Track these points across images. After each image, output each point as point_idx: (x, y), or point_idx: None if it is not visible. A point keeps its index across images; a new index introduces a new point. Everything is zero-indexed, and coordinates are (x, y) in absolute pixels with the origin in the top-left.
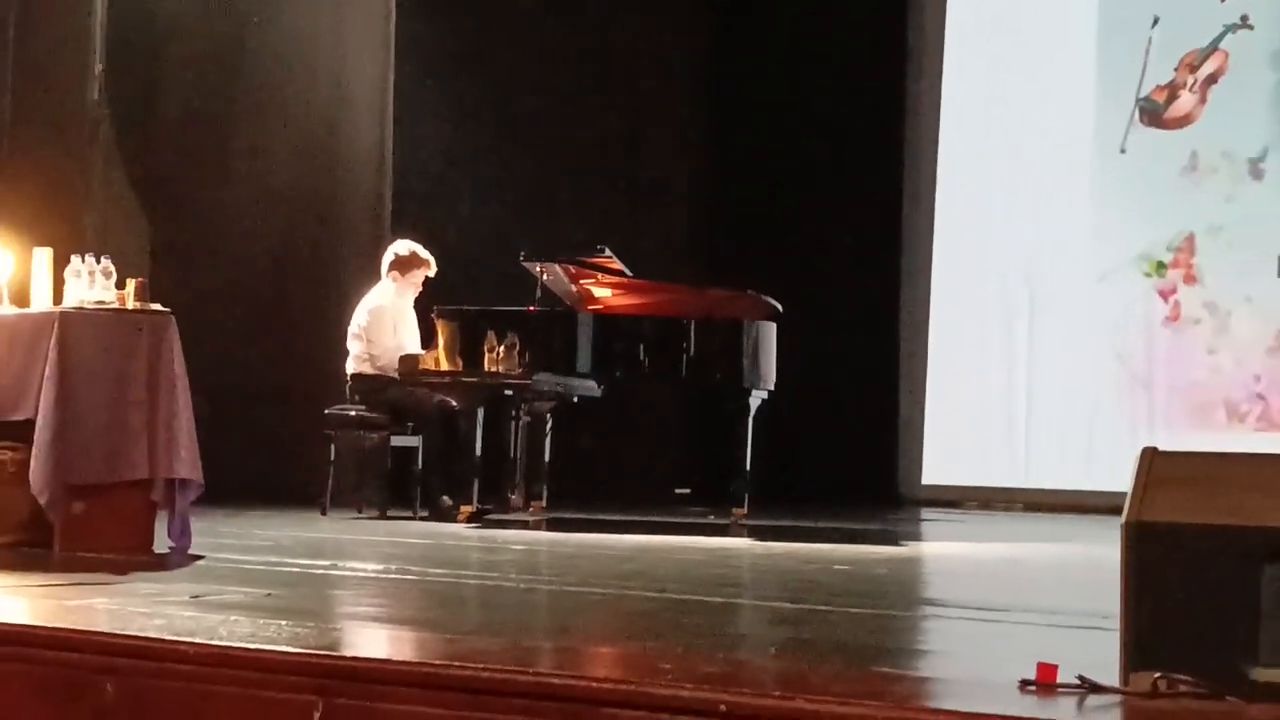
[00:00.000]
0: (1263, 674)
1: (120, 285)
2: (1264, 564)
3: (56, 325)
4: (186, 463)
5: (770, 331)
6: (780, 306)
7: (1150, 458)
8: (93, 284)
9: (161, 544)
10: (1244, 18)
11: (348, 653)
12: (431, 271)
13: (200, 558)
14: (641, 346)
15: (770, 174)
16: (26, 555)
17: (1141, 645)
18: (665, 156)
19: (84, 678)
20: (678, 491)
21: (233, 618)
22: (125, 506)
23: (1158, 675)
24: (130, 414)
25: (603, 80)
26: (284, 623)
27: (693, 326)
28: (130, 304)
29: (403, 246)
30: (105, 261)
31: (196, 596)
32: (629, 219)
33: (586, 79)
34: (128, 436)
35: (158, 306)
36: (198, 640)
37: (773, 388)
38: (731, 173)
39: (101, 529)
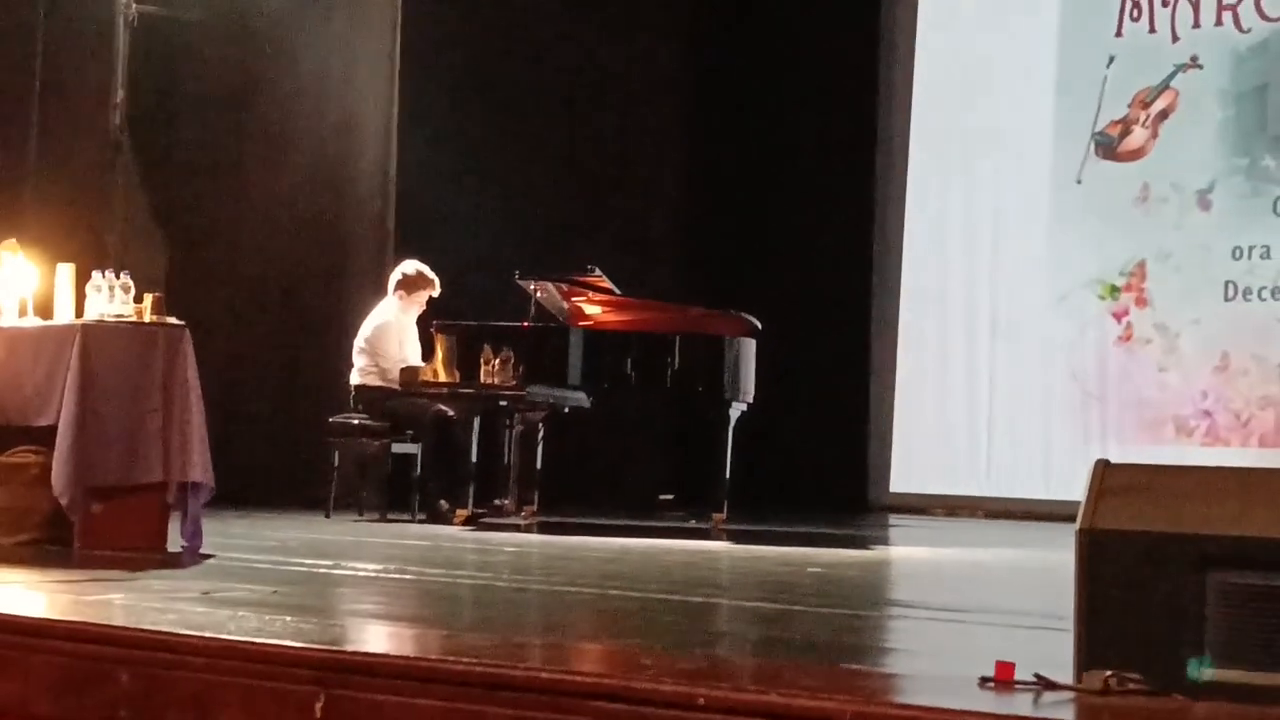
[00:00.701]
0: (1207, 673)
1: (138, 300)
2: (1209, 569)
3: (78, 337)
4: (199, 467)
5: (750, 348)
6: (759, 324)
7: (1102, 469)
8: (112, 298)
9: (174, 543)
10: (1194, 58)
11: (348, 647)
12: (436, 292)
13: (210, 556)
14: (629, 361)
15: (750, 199)
16: (48, 552)
17: (1094, 645)
18: (653, 183)
19: (100, 668)
20: (661, 497)
21: (240, 613)
22: (141, 507)
23: (1109, 674)
24: (146, 421)
25: (595, 112)
26: (288, 618)
27: (677, 342)
28: (147, 317)
29: (410, 266)
30: (124, 277)
31: (207, 593)
32: (618, 241)
33: (579, 111)
34: (144, 441)
35: (173, 320)
36: (207, 634)
37: (752, 400)
38: (714, 199)
39: (118, 528)
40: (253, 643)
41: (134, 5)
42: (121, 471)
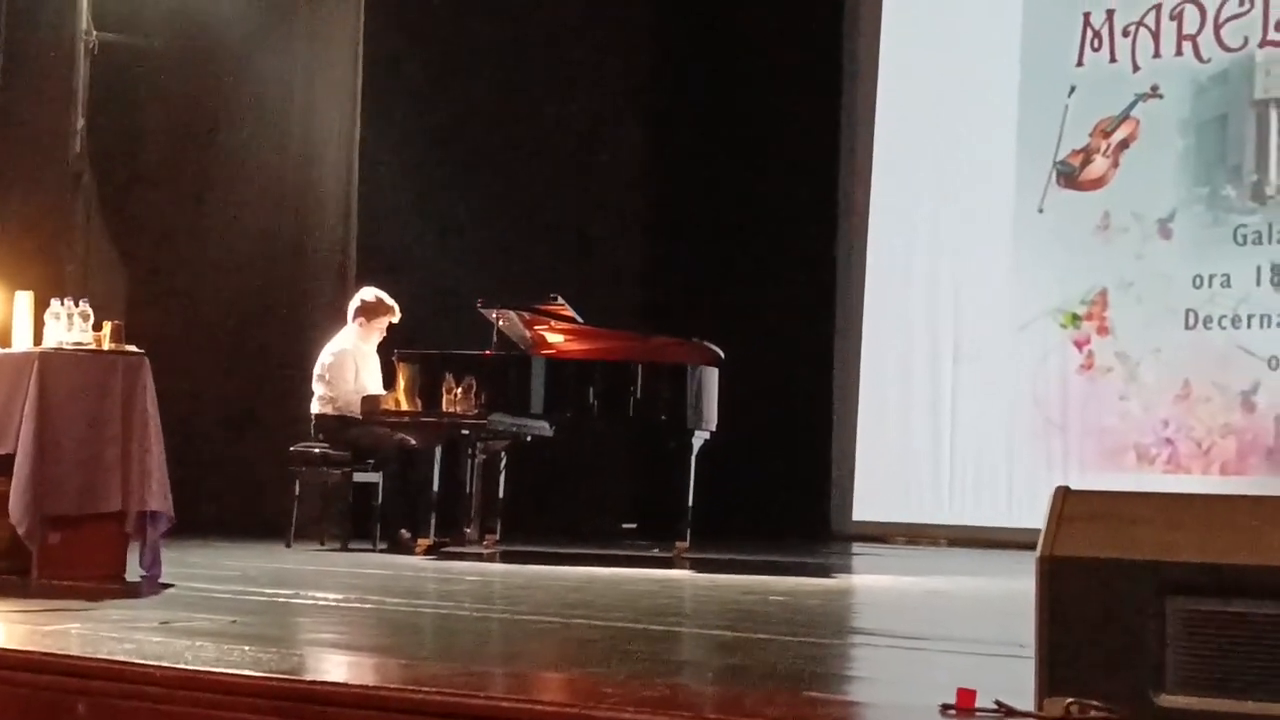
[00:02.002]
0: (1167, 700)
1: (97, 328)
2: (1168, 596)
3: (36, 365)
4: (158, 496)
5: (712, 376)
6: (722, 353)
7: (1063, 496)
8: (71, 326)
9: (133, 573)
10: (1154, 87)
11: (307, 677)
12: (395, 318)
13: (170, 586)
14: (591, 389)
15: (713, 227)
16: (5, 582)
17: (1055, 672)
18: (616, 212)
19: (57, 698)
20: (624, 526)
21: (199, 643)
22: (99, 537)
23: (1070, 701)
24: (105, 449)
25: (558, 141)
26: (247, 648)
27: (639, 371)
28: (106, 345)
29: (369, 293)
30: (84, 305)
31: (165, 623)
32: (581, 269)
33: (541, 137)
34: (102, 471)
35: (132, 348)
36: (165, 664)
37: (714, 429)
38: (678, 229)
39: (77, 558)
40: (211, 673)
41: (94, 33)
42: (80, 501)
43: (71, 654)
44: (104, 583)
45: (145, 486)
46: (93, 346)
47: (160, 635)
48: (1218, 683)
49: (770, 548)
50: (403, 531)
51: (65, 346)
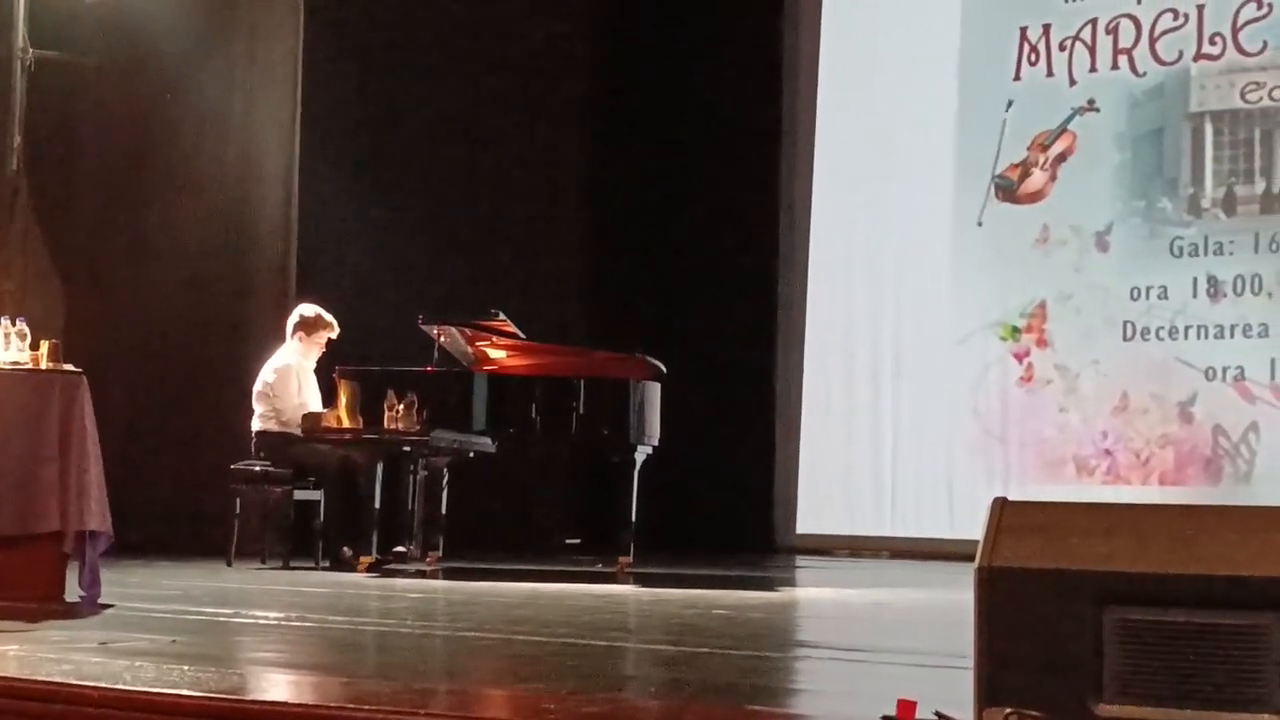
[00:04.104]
0: (1105, 709)
1: (34, 346)
2: (1106, 605)
3: None
4: (97, 515)
5: (655, 391)
6: (664, 368)
7: (1000, 507)
8: (8, 346)
9: (72, 593)
10: (1091, 101)
11: (247, 696)
12: (334, 333)
13: (110, 606)
14: (533, 405)
15: (654, 241)
16: None
17: (993, 682)
18: (557, 227)
19: None
20: (567, 541)
21: (138, 663)
22: (37, 557)
23: (1009, 711)
24: (43, 469)
25: (498, 156)
26: (187, 668)
27: (582, 386)
28: (44, 364)
29: (308, 309)
30: (21, 324)
31: (104, 643)
32: (522, 285)
33: (482, 155)
34: (40, 490)
35: (70, 367)
36: (104, 685)
37: (657, 443)
38: (617, 241)
39: (14, 579)
40: (149, 693)
41: (30, 50)
42: (17, 521)
43: (9, 675)
44: (42, 603)
45: (84, 506)
46: (30, 365)
47: (99, 656)
48: (1155, 692)
49: (714, 561)
50: (345, 549)
51: (2, 366)
